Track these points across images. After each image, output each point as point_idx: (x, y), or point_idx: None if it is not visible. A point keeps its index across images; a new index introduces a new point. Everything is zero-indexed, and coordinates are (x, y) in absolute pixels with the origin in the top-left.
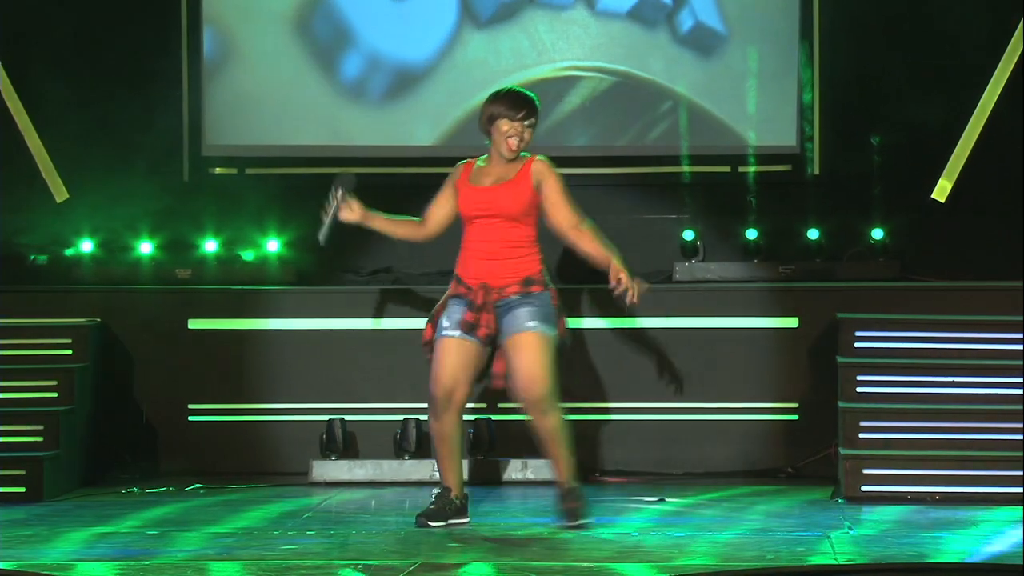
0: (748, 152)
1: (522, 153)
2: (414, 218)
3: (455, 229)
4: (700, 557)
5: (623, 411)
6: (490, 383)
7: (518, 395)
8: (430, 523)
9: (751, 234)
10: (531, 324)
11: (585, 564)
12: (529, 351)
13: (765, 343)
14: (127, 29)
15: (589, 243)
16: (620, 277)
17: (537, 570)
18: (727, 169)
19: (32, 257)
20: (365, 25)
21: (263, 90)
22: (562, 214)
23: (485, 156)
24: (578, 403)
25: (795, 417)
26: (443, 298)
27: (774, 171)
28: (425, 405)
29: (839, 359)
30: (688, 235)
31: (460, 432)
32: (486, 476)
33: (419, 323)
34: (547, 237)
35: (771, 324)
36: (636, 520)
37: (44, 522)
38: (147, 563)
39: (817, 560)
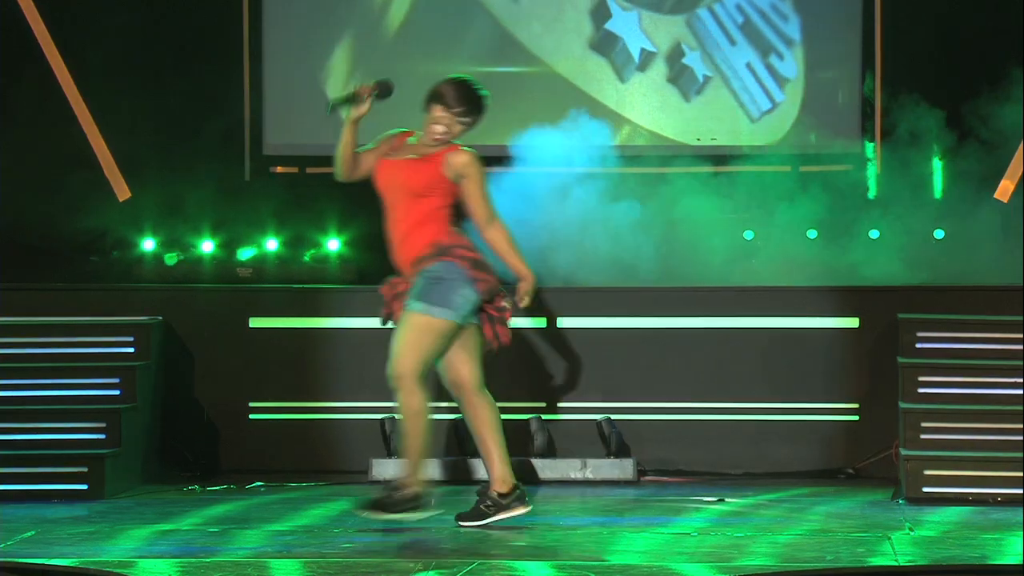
0: (810, 151)
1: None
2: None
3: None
4: (759, 557)
5: (682, 411)
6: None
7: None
8: (462, 524)
9: (812, 234)
10: (407, 303)
11: (644, 564)
12: (400, 329)
13: (826, 343)
14: (189, 30)
15: (502, 245)
16: (523, 300)
17: (596, 569)
18: (788, 168)
19: (94, 255)
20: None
21: (324, 90)
22: (475, 208)
23: (420, 134)
24: (638, 403)
25: (856, 418)
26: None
27: (836, 170)
28: None
29: (900, 360)
30: (748, 234)
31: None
32: (545, 475)
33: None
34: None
35: (832, 324)
36: (695, 520)
37: (106, 519)
38: (208, 560)
39: (877, 561)
